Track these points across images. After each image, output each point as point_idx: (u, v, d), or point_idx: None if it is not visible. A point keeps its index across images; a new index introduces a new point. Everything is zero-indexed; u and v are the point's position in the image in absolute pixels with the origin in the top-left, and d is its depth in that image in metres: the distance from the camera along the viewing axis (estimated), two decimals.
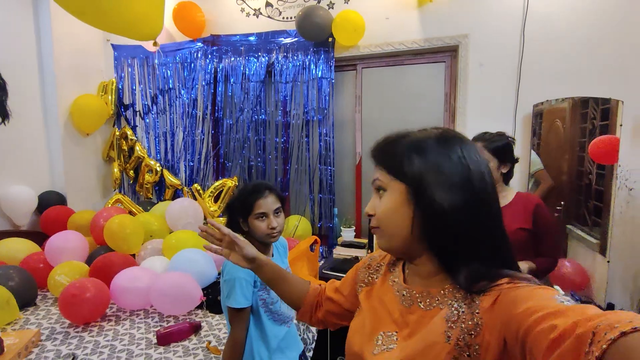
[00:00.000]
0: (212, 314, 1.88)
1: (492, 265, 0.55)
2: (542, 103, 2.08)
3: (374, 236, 0.65)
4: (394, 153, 0.61)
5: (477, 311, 0.52)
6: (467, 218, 0.56)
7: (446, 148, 0.58)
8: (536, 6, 2.06)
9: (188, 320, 1.79)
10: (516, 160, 1.47)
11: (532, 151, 2.12)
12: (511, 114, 2.14)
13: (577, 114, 2.07)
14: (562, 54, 2.02)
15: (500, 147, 1.42)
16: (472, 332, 0.52)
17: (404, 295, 0.63)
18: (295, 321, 1.51)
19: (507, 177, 1.48)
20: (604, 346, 0.34)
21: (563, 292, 0.48)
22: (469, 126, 2.23)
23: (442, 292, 0.58)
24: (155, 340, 1.61)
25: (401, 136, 0.62)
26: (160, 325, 1.76)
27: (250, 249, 0.82)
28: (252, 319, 1.24)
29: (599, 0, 1.95)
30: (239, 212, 1.25)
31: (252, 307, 1.23)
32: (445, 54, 2.38)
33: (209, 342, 1.58)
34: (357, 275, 0.79)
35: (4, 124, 2.28)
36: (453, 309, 0.55)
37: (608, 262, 1.91)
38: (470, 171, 0.57)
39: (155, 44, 2.42)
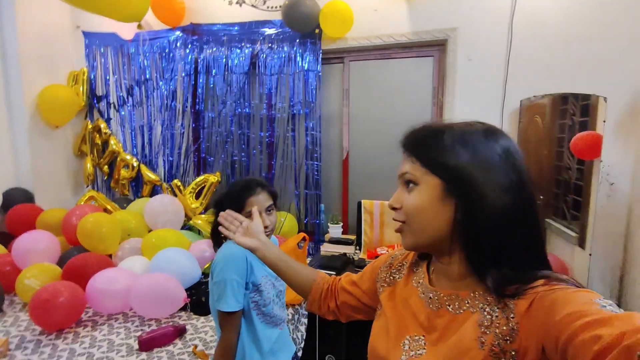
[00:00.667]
0: (196, 316, 1.79)
1: (526, 267, 0.52)
2: (529, 99, 2.09)
3: (401, 236, 0.60)
4: (434, 145, 0.56)
5: (512, 316, 0.49)
6: (514, 218, 0.52)
7: (495, 143, 0.54)
8: (524, 0, 2.06)
9: (171, 323, 1.70)
10: None
11: None
12: (499, 109, 2.15)
13: (557, 110, 2.10)
14: (550, 49, 2.03)
15: None
16: (508, 338, 0.49)
17: (430, 297, 0.60)
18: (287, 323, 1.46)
19: None
20: None
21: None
22: (457, 121, 2.21)
23: (472, 294, 0.55)
24: (136, 346, 1.52)
25: (443, 127, 0.58)
26: (142, 330, 1.66)
27: (259, 224, 0.88)
28: (243, 322, 1.19)
29: None
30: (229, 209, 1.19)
31: (243, 310, 1.17)
32: (434, 48, 2.37)
33: (196, 347, 1.50)
34: (377, 273, 0.76)
35: None
36: (485, 313, 0.52)
37: (590, 255, 1.96)
38: (520, 169, 0.54)
39: (140, 26, 2.29)
